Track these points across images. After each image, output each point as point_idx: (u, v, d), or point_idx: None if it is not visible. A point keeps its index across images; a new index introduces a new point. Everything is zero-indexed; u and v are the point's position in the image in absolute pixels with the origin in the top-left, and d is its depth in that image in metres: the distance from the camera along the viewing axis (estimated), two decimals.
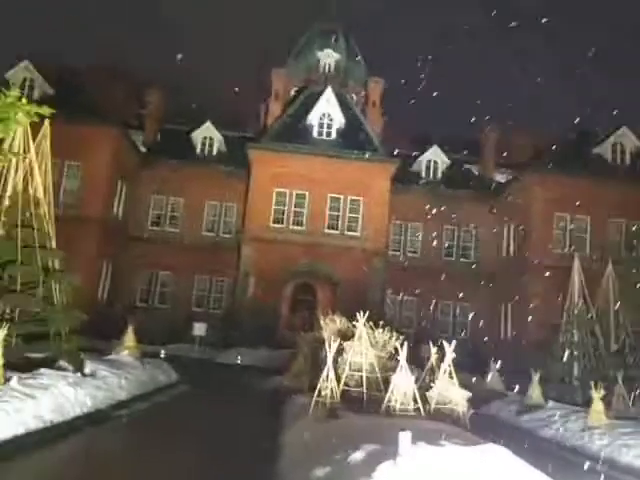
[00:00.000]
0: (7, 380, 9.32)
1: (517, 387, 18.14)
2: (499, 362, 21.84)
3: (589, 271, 20.04)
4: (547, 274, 26.09)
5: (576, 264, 19.71)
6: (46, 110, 11.67)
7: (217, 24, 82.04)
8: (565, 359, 18.32)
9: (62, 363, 11.51)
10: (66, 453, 8.89)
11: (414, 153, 36.31)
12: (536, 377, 16.28)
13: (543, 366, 17.61)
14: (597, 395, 12.92)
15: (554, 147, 31.17)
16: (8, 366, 9.60)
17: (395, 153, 33.21)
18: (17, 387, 9.16)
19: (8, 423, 8.11)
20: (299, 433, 8.94)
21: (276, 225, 30.77)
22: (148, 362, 15.78)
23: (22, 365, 10.34)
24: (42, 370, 10.47)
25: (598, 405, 12.84)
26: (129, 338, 16.91)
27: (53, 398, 9.55)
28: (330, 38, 40.58)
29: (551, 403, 15.21)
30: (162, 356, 20.08)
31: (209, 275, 32.56)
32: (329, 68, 39.27)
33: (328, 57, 39.42)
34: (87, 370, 11.88)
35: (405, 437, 5.35)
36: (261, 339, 26.64)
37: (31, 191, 12.32)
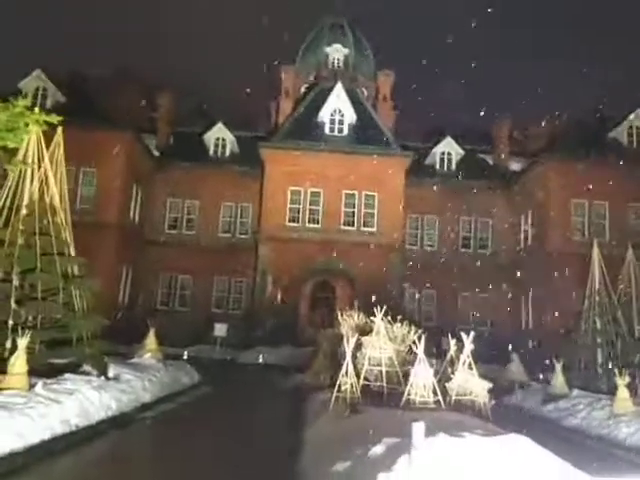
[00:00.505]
0: (32, 386, 9.47)
1: (540, 376, 17.99)
2: (521, 352, 21.67)
3: (609, 257, 19.73)
4: (566, 261, 25.79)
5: (595, 250, 19.45)
6: (55, 118, 11.83)
7: (225, 24, 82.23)
8: (588, 347, 18.12)
9: (86, 368, 11.67)
10: (92, 457, 9.01)
11: (427, 145, 36.11)
12: (559, 366, 16.13)
13: (566, 354, 17.45)
14: (622, 382, 12.78)
15: (569, 133, 30.77)
16: (32, 372, 9.76)
17: (408, 146, 33.07)
18: (42, 393, 9.30)
19: (34, 428, 8.23)
20: (320, 429, 8.98)
21: (292, 224, 30.77)
22: (170, 364, 15.93)
23: (46, 371, 10.51)
24: (66, 375, 10.62)
25: (623, 392, 12.69)
26: (151, 341, 17.08)
27: (78, 402, 9.68)
28: (338, 33, 40.42)
29: (575, 392, 15.05)
30: (184, 358, 20.27)
31: (228, 276, 32.67)
32: (338, 63, 39.12)
33: (337, 52, 39.25)
34: (111, 374, 12.03)
35: (418, 428, 5.18)
36: (282, 338, 26.71)
37: (47, 199, 12.45)
